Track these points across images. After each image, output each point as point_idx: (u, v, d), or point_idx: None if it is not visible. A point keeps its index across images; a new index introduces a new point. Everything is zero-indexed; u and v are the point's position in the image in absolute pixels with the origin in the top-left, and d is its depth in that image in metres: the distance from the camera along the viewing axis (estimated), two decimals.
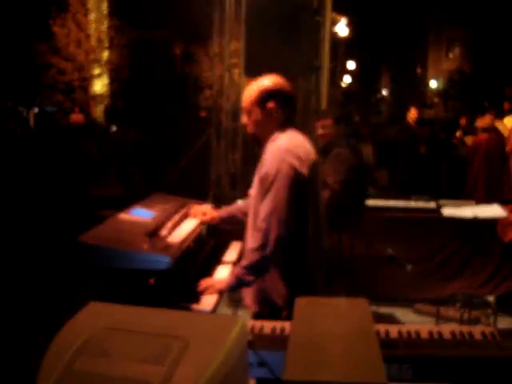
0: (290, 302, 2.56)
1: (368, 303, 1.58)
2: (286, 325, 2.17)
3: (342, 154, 4.10)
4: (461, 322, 4.50)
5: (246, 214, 3.09)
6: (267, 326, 2.19)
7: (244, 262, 2.59)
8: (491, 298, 5.09)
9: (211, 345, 1.29)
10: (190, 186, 6.95)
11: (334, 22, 8.28)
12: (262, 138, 2.74)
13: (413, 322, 5.00)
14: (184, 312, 1.87)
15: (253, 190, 2.76)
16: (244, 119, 2.79)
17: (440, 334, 2.10)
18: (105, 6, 18.13)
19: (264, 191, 2.56)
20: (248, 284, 2.63)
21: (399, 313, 5.28)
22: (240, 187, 7.73)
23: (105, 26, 17.68)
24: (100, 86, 17.87)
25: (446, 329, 2.15)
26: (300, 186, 2.55)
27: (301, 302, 1.59)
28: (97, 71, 17.47)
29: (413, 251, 5.26)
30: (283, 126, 2.69)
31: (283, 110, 2.68)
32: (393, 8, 27.37)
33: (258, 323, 2.22)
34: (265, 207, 2.54)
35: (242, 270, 2.57)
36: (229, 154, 7.71)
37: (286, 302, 2.58)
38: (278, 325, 2.19)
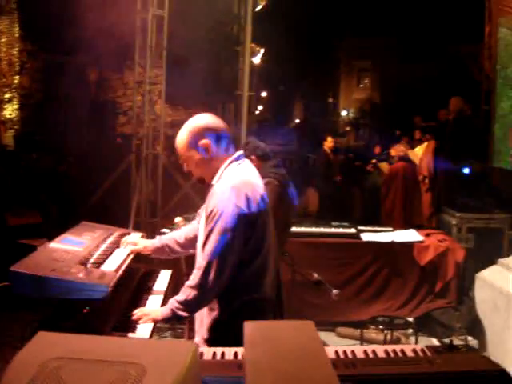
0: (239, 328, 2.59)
1: (314, 325, 1.63)
2: (226, 350, 2.19)
3: (270, 183, 4.17)
4: (384, 343, 4.65)
5: (180, 245, 3.08)
6: (208, 351, 2.20)
7: (180, 298, 2.56)
8: (411, 319, 5.31)
9: (168, 370, 1.30)
10: (110, 214, 6.83)
11: (254, 53, 8.46)
12: (208, 178, 2.68)
13: (336, 345, 5.11)
14: (138, 339, 1.86)
15: (200, 226, 2.73)
16: (185, 167, 2.71)
17: (375, 352, 2.18)
18: (16, 30, 17.62)
19: (208, 230, 2.53)
20: (182, 318, 2.62)
21: (322, 336, 5.36)
22: (160, 215, 7.69)
23: (16, 49, 17.15)
24: (10, 111, 17.29)
25: (380, 348, 2.24)
26: (247, 225, 2.52)
27: (249, 327, 1.62)
28: (7, 96, 16.89)
29: (335, 275, 5.39)
30: (225, 161, 2.65)
31: (218, 145, 2.63)
32: (306, 38, 28.24)
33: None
34: (207, 246, 2.52)
35: (178, 305, 2.55)
36: (149, 182, 7.66)
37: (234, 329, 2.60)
38: (218, 350, 2.21)
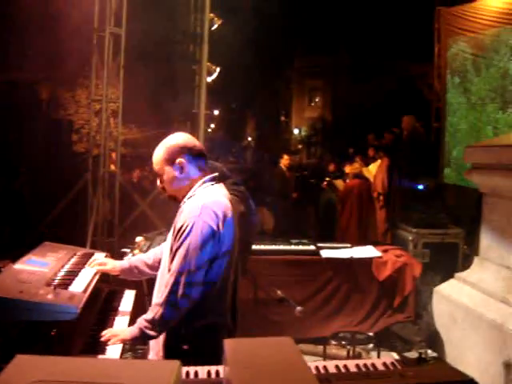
0: (196, 350, 2.57)
1: (293, 341, 1.65)
2: (199, 369, 2.18)
3: (231, 201, 4.18)
4: (347, 358, 4.69)
5: (149, 266, 3.05)
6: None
7: (148, 316, 2.54)
8: (371, 334, 5.37)
9: None
10: (66, 234, 6.71)
11: (210, 71, 8.49)
12: (180, 196, 2.69)
13: None
14: (120, 359, 1.84)
15: (166, 244, 2.73)
16: (159, 183, 2.73)
17: (346, 367, 2.21)
18: None
19: (176, 247, 2.53)
20: (152, 337, 2.58)
21: None
22: (117, 234, 7.61)
23: None
24: None
25: (351, 363, 2.27)
26: (215, 244, 2.53)
27: (229, 344, 1.63)
28: None
29: (295, 292, 5.40)
30: (199, 180, 2.68)
31: (194, 164, 2.66)
32: (258, 57, 28.52)
33: None
34: (175, 263, 2.51)
35: (146, 324, 2.53)
36: (105, 201, 7.58)
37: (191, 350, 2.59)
38: (191, 369, 2.20)
